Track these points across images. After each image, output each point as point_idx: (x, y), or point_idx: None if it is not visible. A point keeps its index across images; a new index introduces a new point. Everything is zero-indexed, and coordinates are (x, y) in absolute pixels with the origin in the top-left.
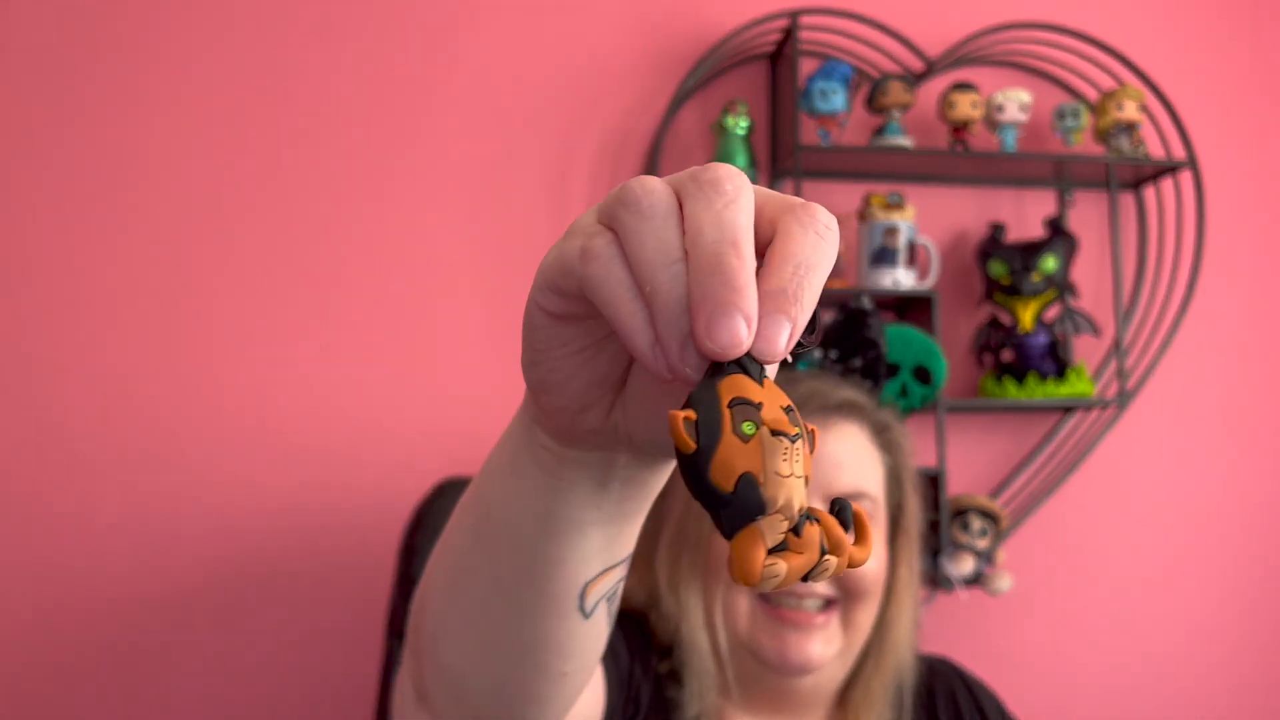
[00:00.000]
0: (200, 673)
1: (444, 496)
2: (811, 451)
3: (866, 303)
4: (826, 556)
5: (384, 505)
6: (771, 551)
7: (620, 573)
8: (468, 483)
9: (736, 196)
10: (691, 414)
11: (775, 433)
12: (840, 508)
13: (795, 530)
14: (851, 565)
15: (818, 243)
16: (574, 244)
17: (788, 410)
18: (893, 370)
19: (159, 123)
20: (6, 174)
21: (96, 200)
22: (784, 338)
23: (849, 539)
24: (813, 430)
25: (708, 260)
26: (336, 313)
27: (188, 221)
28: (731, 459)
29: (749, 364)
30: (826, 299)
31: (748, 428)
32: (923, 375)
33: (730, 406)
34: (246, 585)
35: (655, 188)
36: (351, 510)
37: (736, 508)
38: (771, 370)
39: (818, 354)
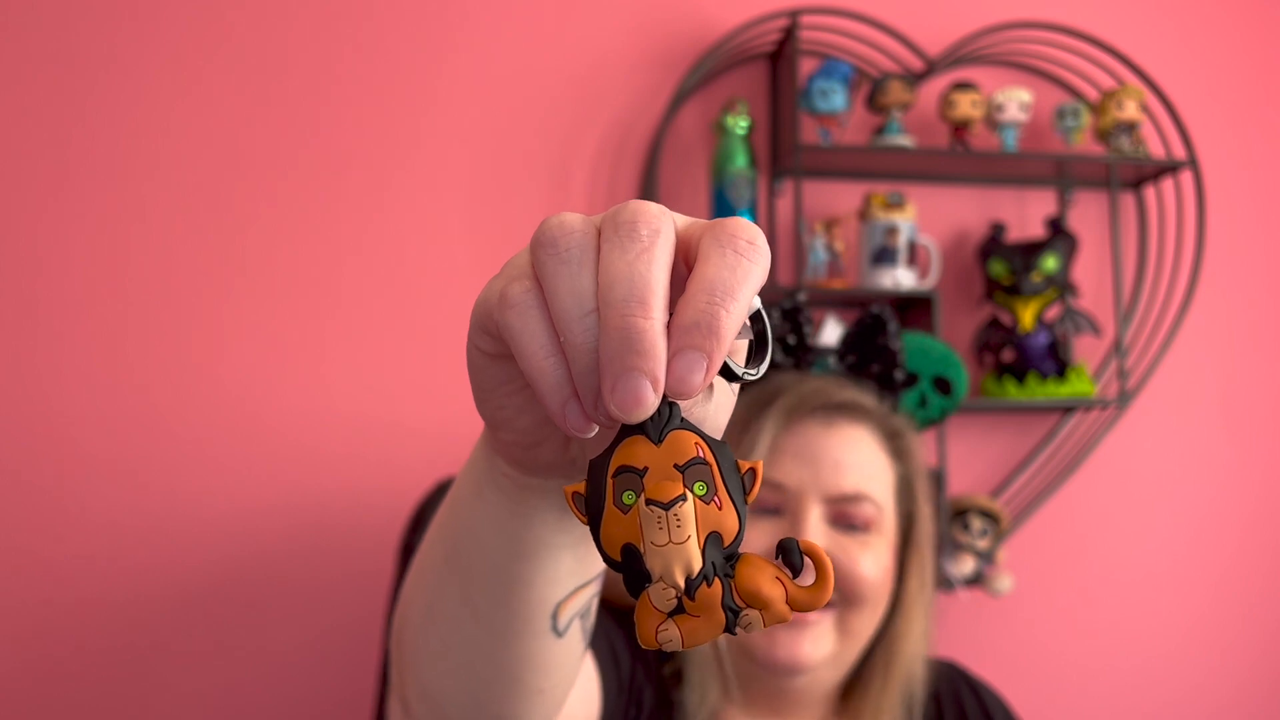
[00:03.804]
0: (199, 672)
1: (443, 496)
2: (751, 490)
3: (884, 310)
4: (745, 611)
5: (384, 505)
6: (671, 614)
7: (593, 589)
8: None
9: (652, 242)
10: (581, 487)
11: (650, 502)
12: (786, 550)
13: (689, 593)
14: (801, 609)
15: (737, 263)
16: (497, 287)
17: (687, 465)
18: (911, 380)
19: (158, 121)
20: (5, 171)
21: (94, 199)
22: (699, 374)
23: (799, 580)
24: (753, 467)
25: (615, 321)
26: (336, 312)
27: (187, 222)
28: (612, 531)
29: (660, 410)
30: (830, 301)
31: (628, 498)
32: (942, 386)
33: (615, 476)
34: (246, 584)
35: (573, 228)
36: (351, 510)
37: (627, 576)
38: (734, 396)
39: (832, 361)
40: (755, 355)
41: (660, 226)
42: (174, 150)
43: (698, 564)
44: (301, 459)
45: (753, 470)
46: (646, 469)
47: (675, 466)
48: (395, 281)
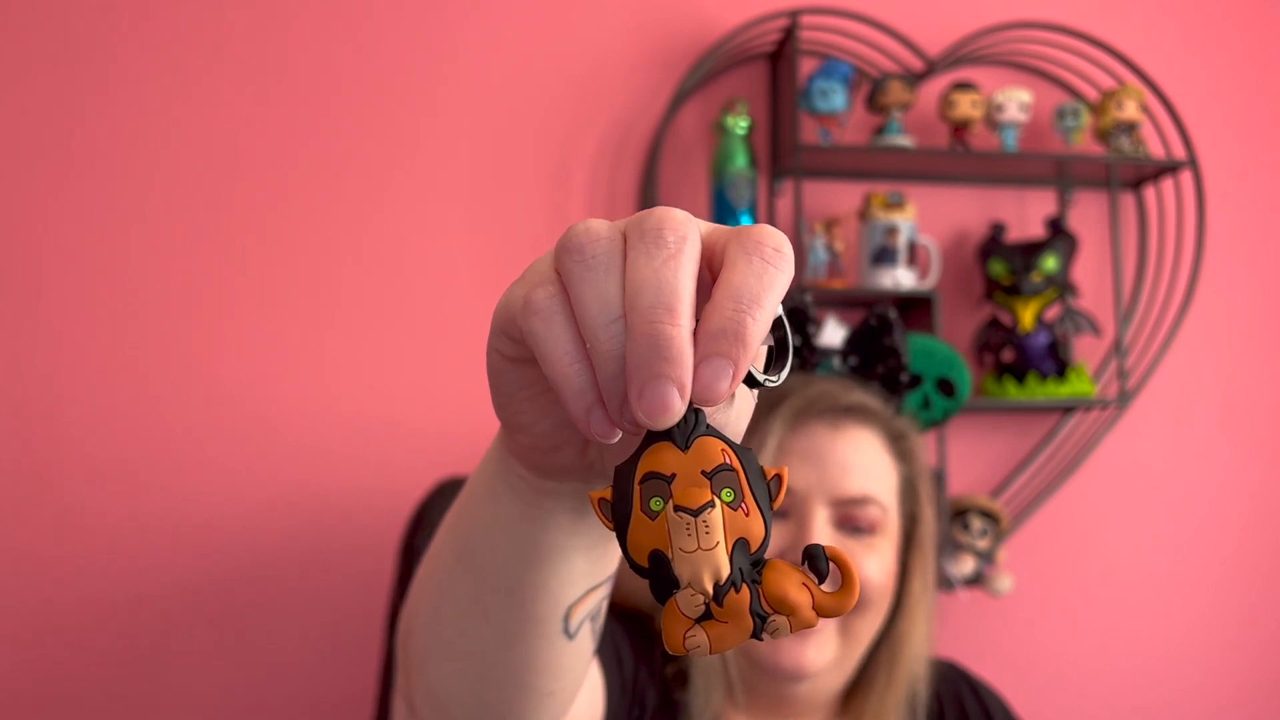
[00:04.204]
0: (199, 672)
1: (444, 496)
2: (777, 497)
3: (890, 311)
4: (773, 617)
5: (384, 505)
6: (698, 620)
7: (604, 591)
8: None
9: (679, 249)
10: (608, 493)
11: (679, 508)
12: (813, 556)
13: (718, 599)
14: (828, 614)
15: (764, 270)
16: (520, 292)
17: (715, 471)
18: (915, 381)
19: (158, 121)
20: (5, 171)
21: (94, 199)
22: (724, 381)
23: (825, 586)
24: (778, 473)
25: (642, 328)
26: (336, 312)
27: (187, 221)
28: (640, 538)
29: (686, 417)
30: (830, 301)
31: (655, 504)
32: (946, 387)
33: (642, 483)
34: (247, 584)
35: (599, 234)
36: (351, 510)
37: (654, 582)
38: (753, 402)
39: (837, 362)
40: (775, 361)
41: (687, 233)
42: (174, 150)
43: (726, 570)
44: (301, 459)
45: (778, 476)
46: (674, 475)
47: (703, 473)
48: (395, 281)
